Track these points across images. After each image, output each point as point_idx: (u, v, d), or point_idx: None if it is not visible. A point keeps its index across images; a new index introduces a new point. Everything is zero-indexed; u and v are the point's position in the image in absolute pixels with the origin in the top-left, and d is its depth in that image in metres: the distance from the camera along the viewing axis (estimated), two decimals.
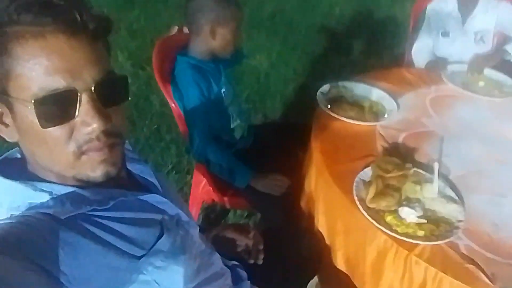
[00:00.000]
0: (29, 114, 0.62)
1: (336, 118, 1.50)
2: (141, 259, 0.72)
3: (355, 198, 1.16)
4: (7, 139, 0.68)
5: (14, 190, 0.67)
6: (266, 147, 1.69)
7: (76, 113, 0.63)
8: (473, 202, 1.20)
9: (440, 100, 1.72)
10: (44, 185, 0.68)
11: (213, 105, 1.51)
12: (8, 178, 0.68)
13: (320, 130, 1.47)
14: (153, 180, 0.85)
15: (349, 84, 1.69)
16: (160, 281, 0.74)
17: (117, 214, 0.73)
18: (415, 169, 1.25)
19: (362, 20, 4.40)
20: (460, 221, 1.12)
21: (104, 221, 0.70)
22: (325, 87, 1.66)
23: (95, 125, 0.63)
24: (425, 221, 1.10)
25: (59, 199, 0.68)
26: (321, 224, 1.33)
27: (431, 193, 1.18)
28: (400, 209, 1.12)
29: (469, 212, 1.16)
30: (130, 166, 0.84)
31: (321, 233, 1.33)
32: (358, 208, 1.13)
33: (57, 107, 0.62)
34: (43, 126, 0.62)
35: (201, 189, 1.69)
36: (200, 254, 0.88)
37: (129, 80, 0.72)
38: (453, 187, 1.23)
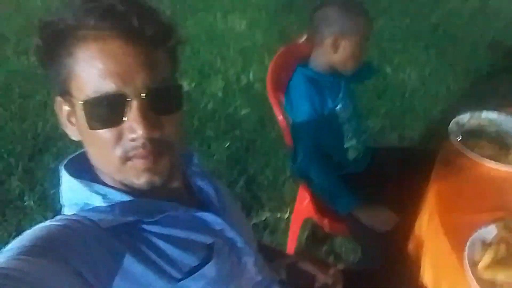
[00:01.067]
0: (83, 114, 0.64)
1: (467, 155, 1.25)
2: (181, 283, 0.68)
3: (466, 261, 0.94)
4: (72, 138, 0.71)
5: (74, 188, 0.70)
6: (383, 175, 1.52)
7: (124, 118, 0.63)
8: None
9: None
10: (99, 188, 0.70)
11: (325, 121, 1.41)
12: (72, 176, 0.71)
13: (445, 166, 1.24)
14: (215, 198, 0.81)
15: (495, 116, 1.41)
16: None
17: (164, 230, 0.70)
18: None
19: None
20: None
21: (149, 236, 0.69)
22: (464, 116, 1.41)
23: (140, 132, 0.63)
24: None
25: (109, 205, 0.68)
26: (427, 277, 1.13)
27: None
28: None
29: None
30: (192, 181, 0.82)
31: (424, 286, 1.13)
32: (467, 274, 0.92)
33: (105, 110, 0.63)
34: (90, 128, 0.64)
35: (305, 205, 1.61)
36: (252, 285, 0.82)
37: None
38: None
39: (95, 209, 0.68)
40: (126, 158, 0.65)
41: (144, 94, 0.63)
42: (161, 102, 0.65)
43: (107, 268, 0.62)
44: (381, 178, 1.50)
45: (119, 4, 0.61)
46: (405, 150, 1.83)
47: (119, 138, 0.64)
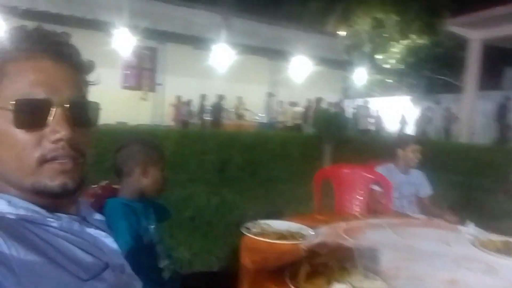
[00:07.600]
0: (6, 117, 0.70)
1: (262, 240, 1.60)
2: (88, 282, 0.72)
3: (289, 283, 1.19)
4: None
5: None
6: None
7: (48, 122, 0.71)
8: (396, 284, 1.29)
9: (352, 229, 1.92)
10: (3, 196, 0.72)
11: (142, 239, 1.54)
12: None
13: (248, 249, 1.55)
14: (107, 231, 0.88)
15: (268, 221, 1.87)
16: None
17: (68, 235, 0.75)
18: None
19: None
20: None
21: (54, 238, 0.72)
22: (249, 224, 1.80)
23: (63, 133, 0.71)
24: None
25: (14, 207, 0.71)
26: None
27: (356, 274, 1.26)
28: (333, 285, 1.17)
29: None
30: (87, 215, 0.87)
31: None
32: None
33: (32, 112, 0.71)
34: (17, 127, 0.69)
35: None
36: None
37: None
38: (376, 274, 1.33)
39: None
40: (43, 160, 0.71)
41: (68, 105, 0.73)
42: (81, 115, 0.75)
43: (18, 261, 0.64)
44: None
45: (53, 35, 0.76)
46: (209, 273, 2.02)
47: (39, 141, 0.71)
